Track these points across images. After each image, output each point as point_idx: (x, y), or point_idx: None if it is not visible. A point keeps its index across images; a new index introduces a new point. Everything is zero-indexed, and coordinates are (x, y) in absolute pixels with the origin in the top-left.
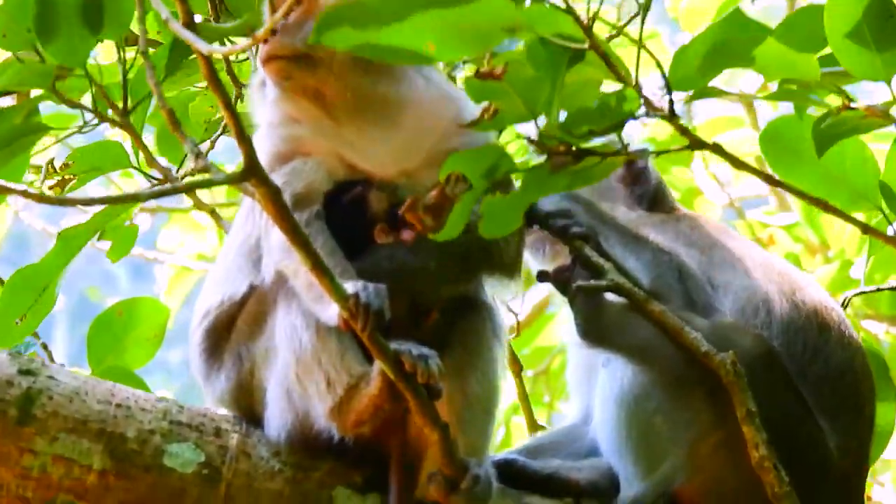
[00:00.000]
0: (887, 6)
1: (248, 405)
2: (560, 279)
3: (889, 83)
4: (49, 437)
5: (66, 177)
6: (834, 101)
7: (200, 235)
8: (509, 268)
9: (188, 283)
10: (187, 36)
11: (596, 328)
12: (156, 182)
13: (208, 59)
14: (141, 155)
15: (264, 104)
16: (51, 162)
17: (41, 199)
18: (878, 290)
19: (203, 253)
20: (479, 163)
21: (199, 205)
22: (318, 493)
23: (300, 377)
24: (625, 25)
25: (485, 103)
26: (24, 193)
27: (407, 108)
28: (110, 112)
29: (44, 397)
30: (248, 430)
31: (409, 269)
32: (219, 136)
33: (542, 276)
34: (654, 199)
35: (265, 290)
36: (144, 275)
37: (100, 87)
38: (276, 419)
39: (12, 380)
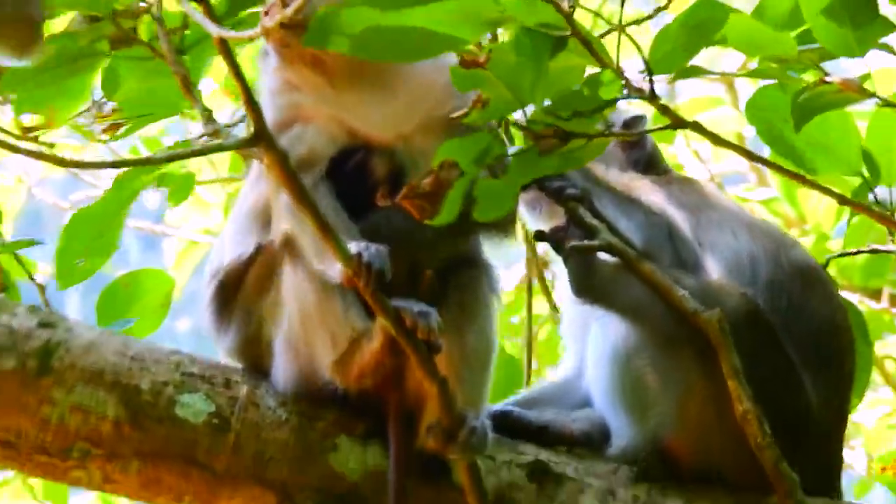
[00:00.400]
0: None
1: (256, 358)
2: (555, 238)
3: (863, 56)
4: (66, 388)
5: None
6: (812, 77)
7: (206, 211)
8: (504, 227)
9: (195, 257)
10: (199, 19)
11: (589, 286)
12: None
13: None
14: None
15: (266, 73)
16: (99, 101)
17: (45, 158)
18: (859, 252)
19: (209, 228)
20: (470, 149)
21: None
22: (322, 443)
23: (305, 332)
24: (600, 7)
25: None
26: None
27: (403, 74)
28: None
29: (62, 350)
30: (257, 382)
31: (408, 230)
32: None
33: (539, 236)
34: (649, 163)
35: (273, 250)
36: (154, 248)
37: (160, 21)
38: (283, 371)
39: (31, 333)
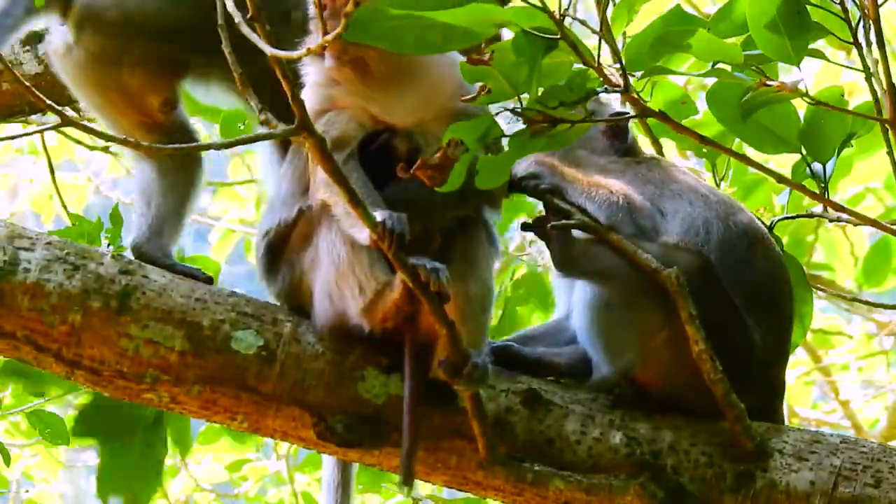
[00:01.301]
0: (797, 2)
1: (298, 303)
2: (538, 226)
3: (798, 65)
4: (141, 325)
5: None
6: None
7: (242, 205)
8: (495, 201)
9: (231, 243)
10: (255, 39)
11: (568, 259)
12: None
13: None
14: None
15: (313, 67)
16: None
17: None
18: (797, 216)
19: (244, 218)
20: (474, 130)
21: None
22: (352, 372)
23: (338, 283)
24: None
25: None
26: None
27: (425, 75)
28: None
29: (138, 292)
30: (299, 321)
31: (422, 198)
32: None
33: (525, 226)
34: (627, 151)
35: (311, 214)
36: (203, 239)
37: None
38: (320, 315)
39: (114, 278)
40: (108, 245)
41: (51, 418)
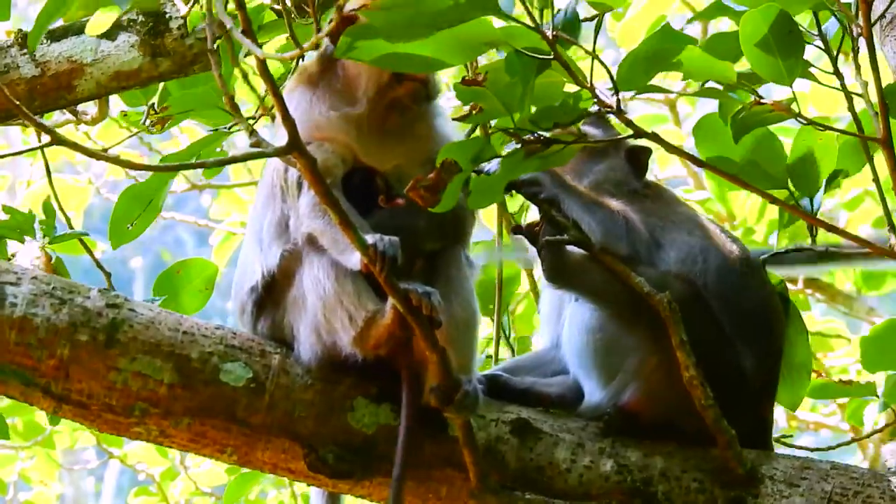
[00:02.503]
0: (789, 23)
1: (282, 339)
2: (531, 233)
3: (791, 85)
4: (129, 358)
5: (165, 117)
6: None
7: (243, 208)
8: (467, 238)
9: (232, 246)
10: (245, 42)
11: (560, 274)
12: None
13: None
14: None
15: (301, 95)
16: (152, 105)
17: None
18: (787, 251)
19: (245, 221)
20: (467, 151)
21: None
22: (341, 403)
23: (327, 316)
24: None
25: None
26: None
27: (416, 139)
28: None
29: (126, 325)
30: (287, 352)
31: (405, 225)
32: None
33: (517, 230)
34: (645, 184)
35: (295, 252)
36: (204, 242)
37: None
38: (307, 350)
39: (101, 311)
40: (43, 236)
41: None
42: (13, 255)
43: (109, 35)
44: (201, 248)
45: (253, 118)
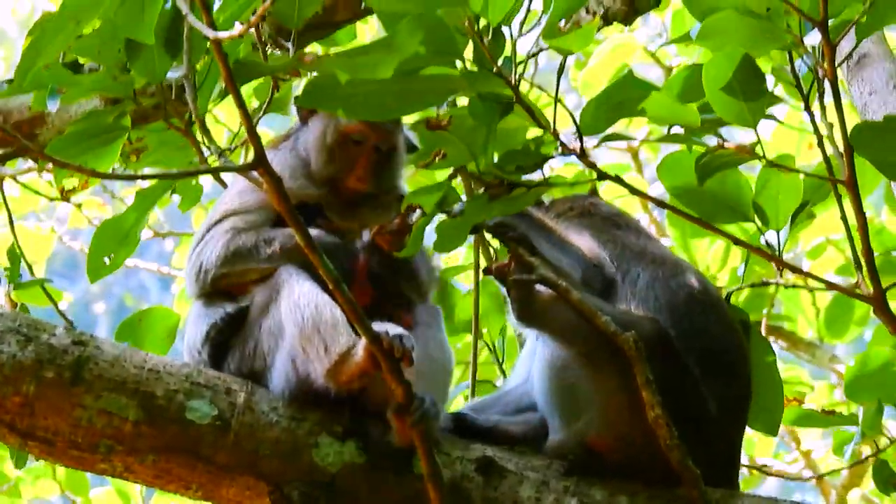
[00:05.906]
0: (753, 67)
1: (250, 372)
2: (500, 273)
3: (755, 127)
4: (95, 395)
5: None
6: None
7: None
8: (426, 289)
9: None
10: (196, 24)
11: (528, 312)
12: None
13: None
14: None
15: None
16: (129, 137)
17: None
18: (752, 285)
19: None
20: (434, 196)
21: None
22: (306, 439)
23: (303, 345)
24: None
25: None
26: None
27: (367, 209)
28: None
29: (91, 363)
30: (253, 389)
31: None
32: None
33: (486, 271)
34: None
35: (270, 279)
36: (168, 288)
37: (169, 99)
38: (280, 379)
39: (67, 349)
40: (9, 283)
41: None
42: None
43: None
44: (164, 294)
45: (228, 149)
